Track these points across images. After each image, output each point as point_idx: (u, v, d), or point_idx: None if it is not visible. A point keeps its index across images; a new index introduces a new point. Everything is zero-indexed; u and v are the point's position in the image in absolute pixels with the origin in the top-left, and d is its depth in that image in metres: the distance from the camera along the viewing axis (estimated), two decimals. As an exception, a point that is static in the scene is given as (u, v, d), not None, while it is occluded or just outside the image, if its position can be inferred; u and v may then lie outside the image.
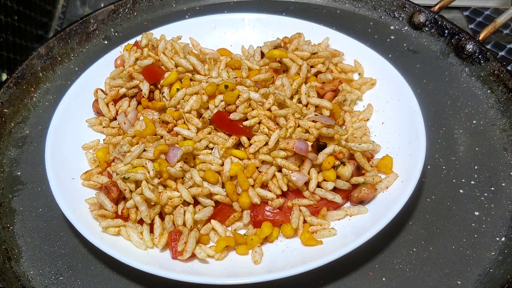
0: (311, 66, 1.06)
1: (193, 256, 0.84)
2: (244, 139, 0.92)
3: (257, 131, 0.93)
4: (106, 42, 1.32)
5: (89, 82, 1.10)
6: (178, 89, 1.00)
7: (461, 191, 0.96)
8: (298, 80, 1.01)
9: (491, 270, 0.85)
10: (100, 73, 1.12)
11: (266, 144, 0.91)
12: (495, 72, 1.12)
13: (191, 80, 1.02)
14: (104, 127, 1.04)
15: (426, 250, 0.88)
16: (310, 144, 0.89)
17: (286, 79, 1.01)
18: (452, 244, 0.89)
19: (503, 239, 0.89)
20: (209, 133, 0.95)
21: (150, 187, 0.87)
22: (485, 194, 0.95)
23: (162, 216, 0.89)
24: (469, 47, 1.17)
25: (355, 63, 1.11)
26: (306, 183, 0.88)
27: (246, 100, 0.93)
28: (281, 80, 1.01)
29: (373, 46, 1.13)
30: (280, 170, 0.89)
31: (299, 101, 0.99)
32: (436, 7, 1.25)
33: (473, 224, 0.91)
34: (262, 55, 1.09)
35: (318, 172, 0.89)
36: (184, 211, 0.87)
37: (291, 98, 0.99)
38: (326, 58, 1.07)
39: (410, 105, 0.99)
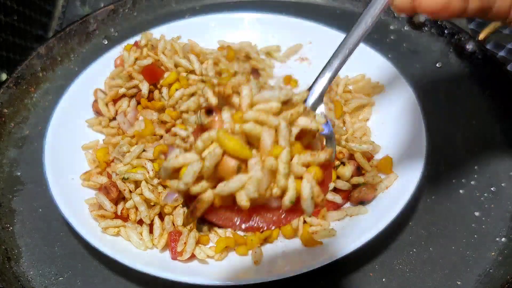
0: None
1: (192, 256, 0.84)
2: (244, 139, 0.91)
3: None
4: (106, 42, 1.31)
5: (88, 82, 1.10)
6: (177, 89, 1.00)
7: (461, 191, 0.96)
8: (284, 156, 0.52)
9: (491, 271, 0.85)
10: (99, 73, 1.12)
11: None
12: (495, 72, 1.11)
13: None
14: (103, 127, 1.04)
15: (426, 251, 0.88)
16: (310, 144, 0.88)
17: (256, 170, 0.52)
18: (452, 244, 0.89)
19: (503, 239, 0.89)
20: (209, 133, 0.94)
21: (150, 187, 0.87)
22: (485, 195, 0.95)
23: (161, 216, 0.89)
24: (469, 47, 1.17)
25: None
26: (306, 184, 0.88)
27: None
28: (253, 172, 0.52)
29: (373, 46, 1.13)
30: (280, 171, 0.88)
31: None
32: (436, 7, 1.25)
33: (473, 225, 0.91)
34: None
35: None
36: (184, 212, 0.87)
37: (283, 193, 0.53)
38: (303, 105, 0.59)
39: (410, 105, 0.99)
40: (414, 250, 0.89)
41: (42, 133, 1.06)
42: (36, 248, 0.93)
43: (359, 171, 0.91)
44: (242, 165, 0.52)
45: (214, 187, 0.52)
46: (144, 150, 0.92)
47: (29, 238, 0.94)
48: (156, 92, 1.05)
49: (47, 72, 1.23)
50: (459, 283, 0.84)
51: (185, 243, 0.84)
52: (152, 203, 0.87)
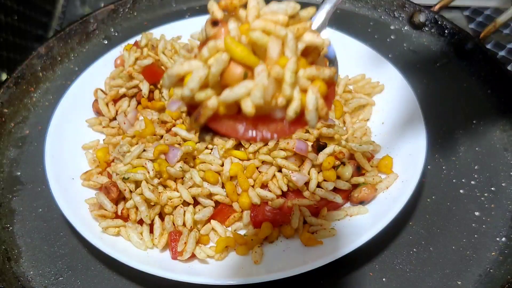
0: None
1: (193, 256, 0.84)
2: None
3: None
4: (106, 42, 1.31)
5: (89, 82, 1.10)
6: (177, 89, 1.00)
7: (461, 191, 0.96)
8: (290, 65, 0.51)
9: (491, 271, 0.85)
10: (100, 73, 1.12)
11: (266, 144, 0.90)
12: (495, 72, 1.11)
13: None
14: (104, 127, 1.04)
15: (426, 251, 0.88)
16: (310, 144, 0.89)
17: (263, 76, 0.50)
18: (452, 244, 0.89)
19: (503, 239, 0.89)
20: (209, 133, 0.94)
21: (150, 187, 0.87)
22: (485, 194, 0.95)
23: (162, 216, 0.89)
24: (469, 47, 1.17)
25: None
26: (306, 183, 0.88)
27: None
28: (259, 78, 0.50)
29: (373, 46, 1.13)
30: (280, 170, 0.89)
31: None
32: (436, 7, 1.25)
33: (473, 224, 0.91)
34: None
35: (318, 172, 0.89)
36: (184, 212, 0.87)
37: (288, 103, 0.52)
38: (310, 21, 0.58)
39: (410, 105, 0.99)
40: (414, 250, 0.89)
41: (42, 133, 1.06)
42: (36, 248, 0.93)
43: (359, 171, 0.91)
44: (248, 72, 0.51)
45: (218, 95, 0.51)
46: (144, 150, 0.92)
47: (29, 238, 0.94)
48: (156, 92, 1.05)
49: (47, 72, 1.23)
50: (459, 283, 0.84)
51: (185, 243, 0.84)
52: (152, 203, 0.87)
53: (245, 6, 0.55)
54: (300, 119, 0.53)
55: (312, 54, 0.56)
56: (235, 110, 0.52)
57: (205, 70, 0.50)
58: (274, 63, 0.51)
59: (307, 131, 0.89)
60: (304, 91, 0.52)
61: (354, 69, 1.10)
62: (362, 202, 0.89)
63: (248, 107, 0.49)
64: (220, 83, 0.51)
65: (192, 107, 0.53)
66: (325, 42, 0.56)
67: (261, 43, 0.51)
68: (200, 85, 0.50)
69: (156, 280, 0.80)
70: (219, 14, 0.55)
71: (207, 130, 0.54)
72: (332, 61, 0.67)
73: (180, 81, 0.53)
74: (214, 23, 0.54)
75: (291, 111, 0.51)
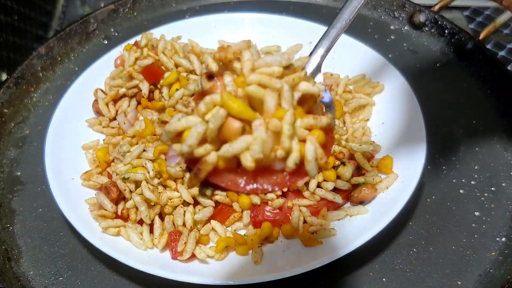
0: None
1: (193, 256, 0.84)
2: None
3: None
4: (106, 42, 1.31)
5: (89, 82, 1.10)
6: (177, 89, 1.00)
7: (461, 191, 0.96)
8: (288, 117, 0.51)
9: (491, 271, 0.85)
10: (100, 73, 1.12)
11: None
12: (495, 72, 1.11)
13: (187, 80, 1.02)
14: (104, 127, 1.04)
15: (426, 251, 0.88)
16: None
17: (261, 130, 0.51)
18: (452, 244, 0.89)
19: (503, 239, 0.89)
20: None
21: (150, 187, 0.87)
22: (485, 194, 0.95)
23: (162, 216, 0.89)
24: (469, 47, 1.17)
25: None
26: (306, 183, 0.88)
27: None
28: (258, 132, 0.51)
29: (373, 46, 1.12)
30: (280, 170, 0.89)
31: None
32: (436, 7, 1.25)
33: (473, 224, 0.91)
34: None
35: (318, 172, 0.89)
36: (184, 212, 0.87)
37: (287, 155, 0.52)
38: (303, 69, 0.58)
39: (410, 105, 0.99)
40: (414, 250, 0.89)
41: (42, 133, 1.06)
42: (36, 248, 0.93)
43: (359, 171, 0.91)
44: (247, 126, 0.51)
45: (217, 150, 0.51)
46: (144, 150, 0.92)
47: (29, 238, 0.94)
48: (156, 92, 1.05)
49: (47, 72, 1.23)
50: (459, 283, 0.84)
51: (185, 243, 0.84)
52: (152, 203, 0.87)
53: (239, 58, 0.55)
54: (300, 170, 0.53)
55: (308, 102, 0.56)
56: (234, 164, 0.52)
57: (203, 126, 0.50)
58: (271, 115, 0.51)
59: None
60: (302, 141, 0.52)
61: (354, 69, 1.10)
62: (362, 202, 0.89)
63: (247, 161, 0.49)
64: (218, 137, 0.51)
65: (192, 161, 0.53)
66: (320, 89, 0.56)
67: (258, 97, 0.51)
68: (199, 140, 0.50)
69: (156, 280, 0.80)
70: (214, 66, 0.55)
71: (207, 184, 0.54)
72: (328, 106, 0.66)
73: (178, 136, 0.52)
74: (210, 76, 0.54)
75: (291, 162, 0.51)
